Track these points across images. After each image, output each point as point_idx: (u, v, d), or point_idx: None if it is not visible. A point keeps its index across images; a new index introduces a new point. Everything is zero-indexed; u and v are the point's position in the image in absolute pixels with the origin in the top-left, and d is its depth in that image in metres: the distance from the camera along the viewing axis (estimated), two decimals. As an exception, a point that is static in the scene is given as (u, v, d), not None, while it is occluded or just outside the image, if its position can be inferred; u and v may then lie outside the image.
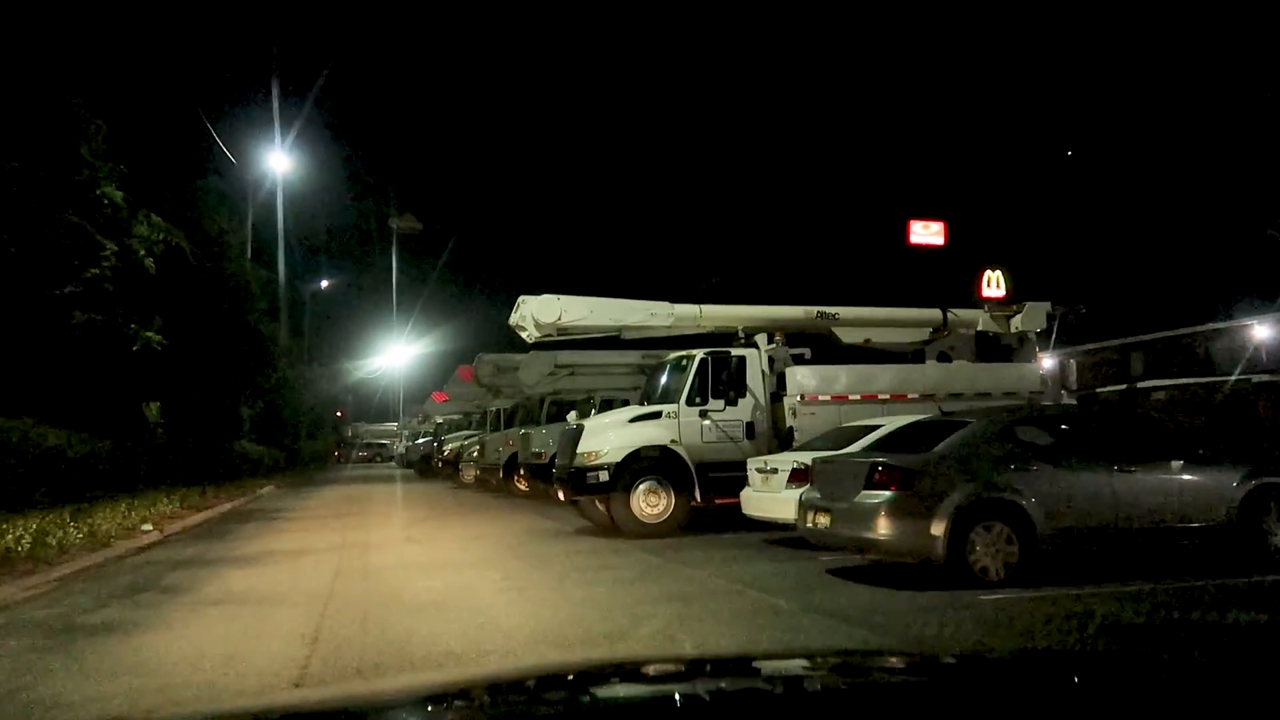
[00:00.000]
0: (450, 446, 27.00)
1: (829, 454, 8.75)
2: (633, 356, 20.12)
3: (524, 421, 23.00)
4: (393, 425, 73.91)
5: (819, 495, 7.72)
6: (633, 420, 11.57)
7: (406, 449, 40.95)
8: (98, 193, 9.85)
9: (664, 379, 12.50)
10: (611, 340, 17.93)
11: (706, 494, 11.28)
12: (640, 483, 11.16)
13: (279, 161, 29.66)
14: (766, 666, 2.06)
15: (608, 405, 19.07)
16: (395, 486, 28.66)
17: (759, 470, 10.19)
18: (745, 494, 10.42)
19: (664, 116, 69.65)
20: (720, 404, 11.58)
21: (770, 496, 9.82)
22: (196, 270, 15.90)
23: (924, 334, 13.55)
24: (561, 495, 11.97)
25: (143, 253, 10.34)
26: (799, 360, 12.38)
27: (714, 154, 62.80)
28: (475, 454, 23.99)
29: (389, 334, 65.80)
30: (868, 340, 13.27)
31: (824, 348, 13.15)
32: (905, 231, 29.76)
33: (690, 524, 11.27)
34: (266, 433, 30.73)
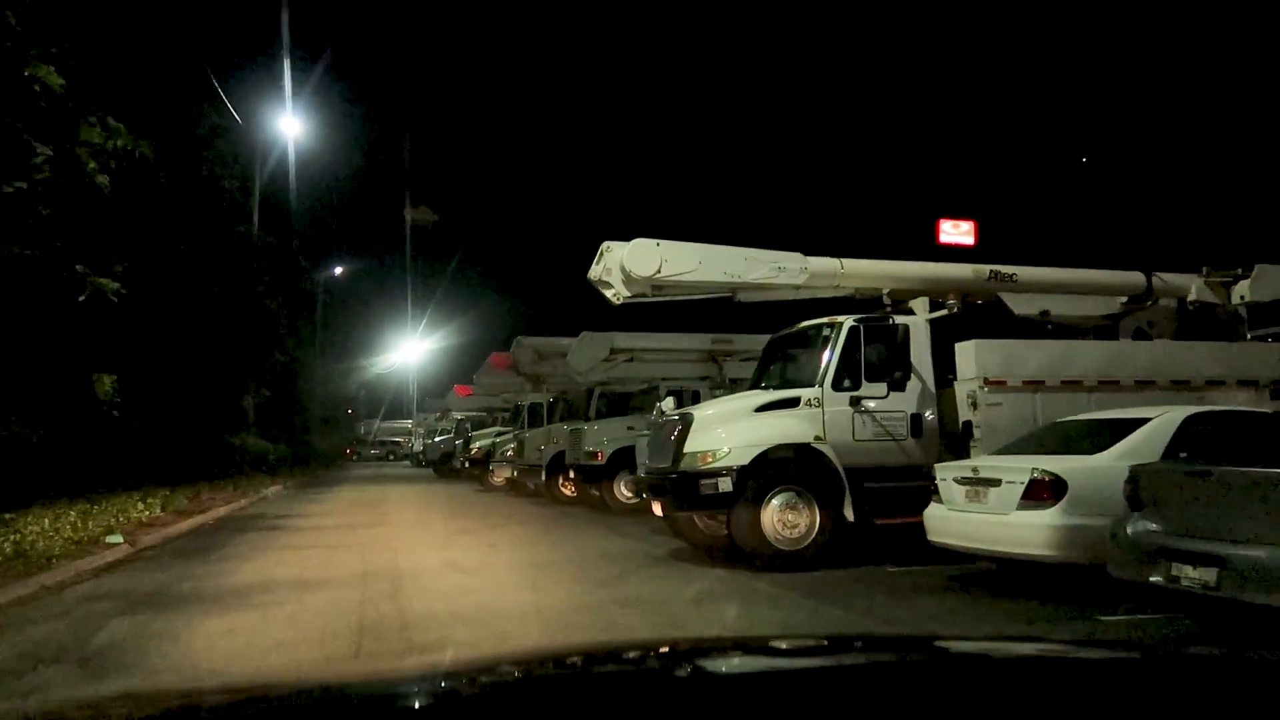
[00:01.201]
0: (479, 444, 23.99)
1: (1171, 464, 5.69)
2: (702, 340, 17.10)
3: (565, 416, 20.00)
4: (406, 423, 71.33)
5: (1179, 531, 4.65)
6: (760, 409, 8.49)
7: (424, 447, 37.93)
8: (26, 74, 6.99)
9: (791, 356, 9.44)
10: (673, 319, 15.07)
11: (863, 510, 8.22)
12: (775, 494, 8.10)
13: (290, 124, 26.73)
14: None
15: (679, 398, 16.03)
16: (415, 488, 25.65)
17: (960, 480, 7.09)
18: (933, 513, 7.33)
19: (687, 109, 66.65)
20: (880, 388, 8.50)
21: (985, 519, 6.74)
22: (175, 198, 12.98)
23: (1116, 305, 10.46)
24: (658, 509, 8.90)
25: (93, 165, 7.50)
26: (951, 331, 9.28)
27: (739, 155, 59.97)
28: (510, 453, 20.97)
29: (402, 330, 63.32)
30: (1044, 313, 10.17)
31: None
32: (935, 231, 28.93)
33: (831, 550, 8.21)
34: (274, 426, 27.81)
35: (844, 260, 9.34)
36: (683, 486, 8.30)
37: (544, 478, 17.85)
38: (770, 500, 8.08)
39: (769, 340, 10.01)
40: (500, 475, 21.70)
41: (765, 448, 8.12)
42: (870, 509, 8.25)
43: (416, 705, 1.30)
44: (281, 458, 26.44)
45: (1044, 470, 6.36)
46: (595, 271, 9.00)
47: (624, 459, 15.49)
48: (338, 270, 47.62)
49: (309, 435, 38.20)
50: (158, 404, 15.87)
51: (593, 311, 18.88)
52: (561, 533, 12.00)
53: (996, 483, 6.70)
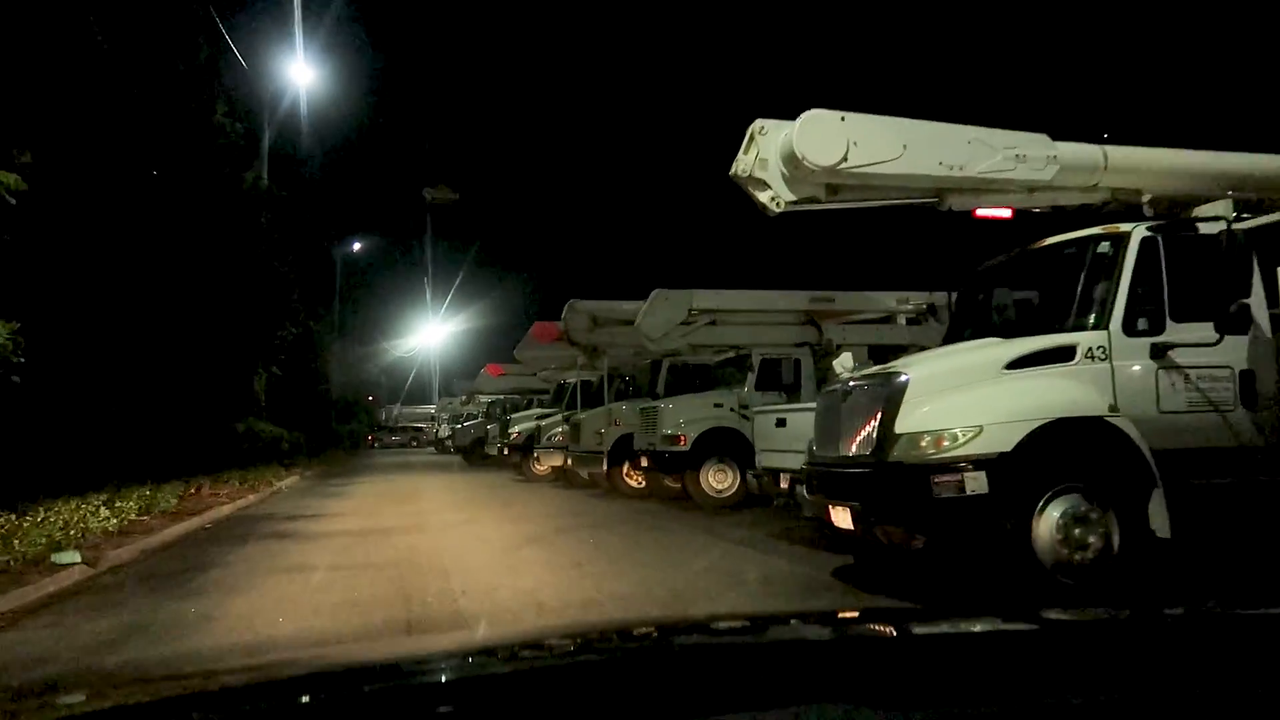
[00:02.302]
0: (518, 429, 21.13)
1: None
2: (798, 299, 14.10)
3: (626, 394, 17.10)
4: (429, 408, 68.87)
5: None
6: (1012, 365, 5.49)
7: (453, 432, 35.18)
8: None
9: (1030, 291, 6.45)
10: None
11: (1186, 521, 5.24)
12: (1055, 497, 5.14)
13: (301, 71, 23.82)
14: None
15: (774, 369, 13.09)
16: (447, 478, 22.85)
17: None
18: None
19: (710, 83, 63.39)
20: (1197, 331, 5.49)
21: None
22: (145, 116, 10.18)
23: None
24: (841, 519, 5.90)
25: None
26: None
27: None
28: (558, 438, 18.11)
29: (423, 313, 60.95)
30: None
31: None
32: None
33: (1130, 576, 5.27)
34: (289, 411, 25.09)
35: (1109, 148, 6.29)
36: (897, 486, 5.33)
37: (605, 467, 14.97)
38: (1047, 507, 5.11)
39: (980, 270, 6.95)
40: (546, 464, 18.84)
41: (1038, 423, 5.13)
42: (1195, 520, 5.26)
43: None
44: (297, 445, 23.70)
45: None
46: (743, 164, 6.02)
47: (712, 444, 12.58)
48: (356, 246, 45.03)
49: (328, 420, 35.58)
50: (146, 384, 13.08)
51: (622, 288, 15.98)
52: (662, 543, 9.09)
53: None
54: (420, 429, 63.93)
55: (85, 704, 1.28)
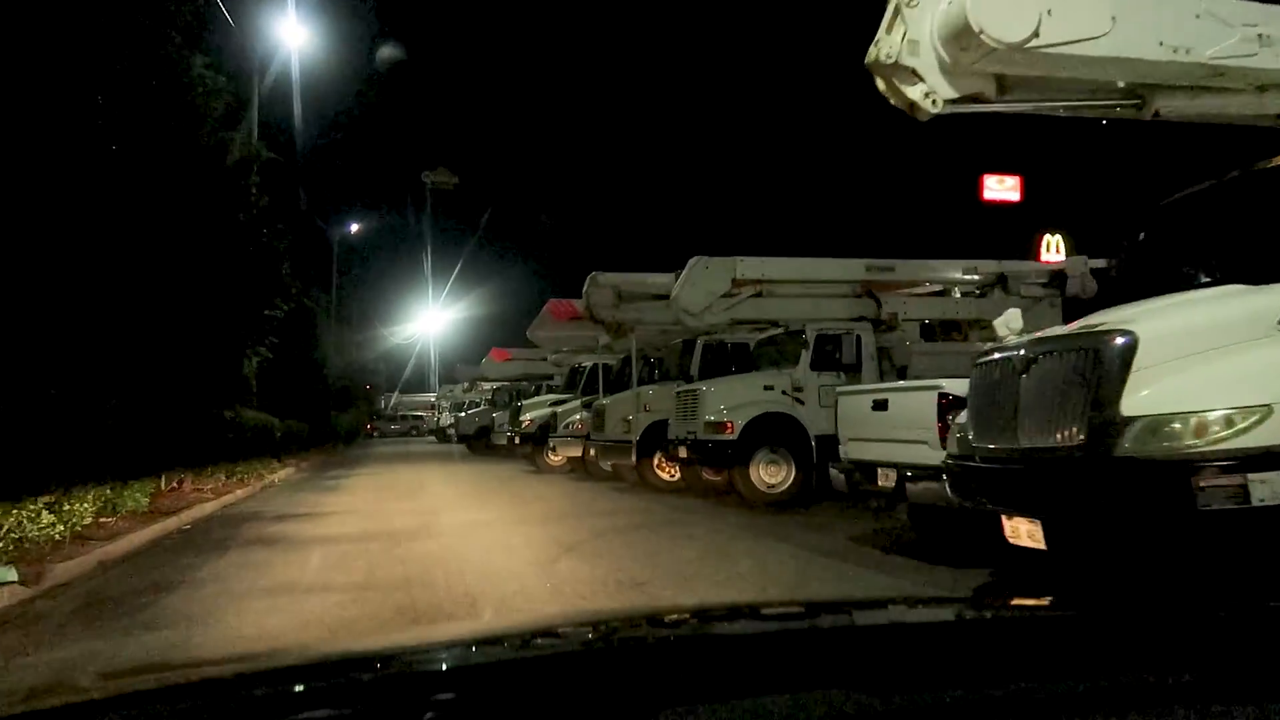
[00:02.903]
0: (531, 415, 19.49)
1: None
2: (853, 268, 12.51)
3: (654, 377, 15.52)
4: (429, 396, 67.34)
5: None
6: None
7: (456, 421, 33.50)
8: None
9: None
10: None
11: None
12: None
13: (293, 30, 22.07)
14: None
15: (832, 346, 11.47)
16: (454, 470, 21.28)
17: None
18: None
19: (718, 63, 61.48)
20: None
21: None
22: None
23: None
24: (1023, 534, 4.30)
25: None
26: None
27: (768, 98, 55.18)
28: (577, 425, 16.51)
29: (422, 299, 59.63)
30: None
31: None
32: (978, 186, 27.95)
33: None
34: (282, 397, 23.46)
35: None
36: (1130, 492, 3.73)
37: (634, 458, 13.36)
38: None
39: (1172, 202, 5.30)
40: (563, 454, 17.24)
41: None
42: None
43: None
44: (292, 434, 22.08)
45: None
46: (886, 48, 4.38)
47: (762, 432, 10.98)
48: (354, 228, 43.33)
49: (326, 408, 33.98)
50: (119, 369, 11.44)
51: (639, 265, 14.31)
52: (728, 552, 7.48)
53: None
54: (420, 417, 62.58)
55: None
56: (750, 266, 12.01)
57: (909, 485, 6.30)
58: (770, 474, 10.97)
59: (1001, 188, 28.81)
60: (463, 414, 33.22)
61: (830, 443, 9.50)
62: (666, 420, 13.11)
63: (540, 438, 19.05)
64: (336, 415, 38.49)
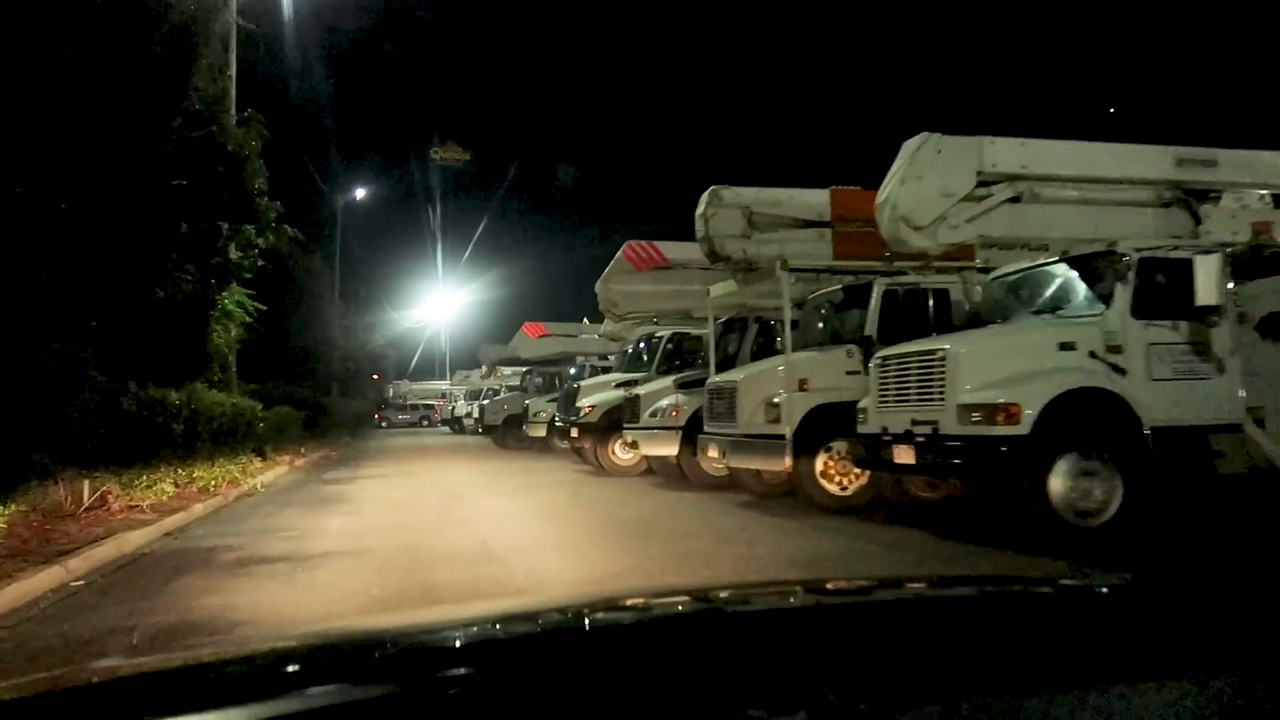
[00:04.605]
0: (594, 400, 14.82)
1: None
2: (1159, 162, 7.85)
3: (758, 351, 10.96)
4: (440, 384, 62.97)
5: None
6: None
7: (479, 410, 28.84)
8: None
9: None
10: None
11: None
12: None
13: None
14: None
15: (1162, 278, 6.86)
16: (487, 470, 16.64)
17: None
18: None
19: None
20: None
21: None
22: None
23: None
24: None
25: None
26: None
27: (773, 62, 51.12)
28: (671, 414, 11.89)
29: (433, 282, 56.19)
30: None
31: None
32: None
33: None
34: (273, 381, 18.89)
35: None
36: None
37: (789, 458, 8.72)
38: None
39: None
40: (649, 451, 12.60)
41: None
42: None
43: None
44: (281, 424, 17.47)
45: None
46: None
47: (1066, 421, 6.35)
48: (359, 193, 38.83)
49: (326, 394, 29.51)
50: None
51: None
52: None
53: None
54: (432, 406, 58.26)
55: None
56: (1005, 152, 7.38)
57: None
58: (1080, 493, 6.35)
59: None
60: (485, 401, 28.56)
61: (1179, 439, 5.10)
62: (834, 403, 8.65)
63: (605, 429, 14.48)
64: (341, 403, 34.03)
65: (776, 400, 8.95)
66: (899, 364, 7.28)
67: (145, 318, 9.55)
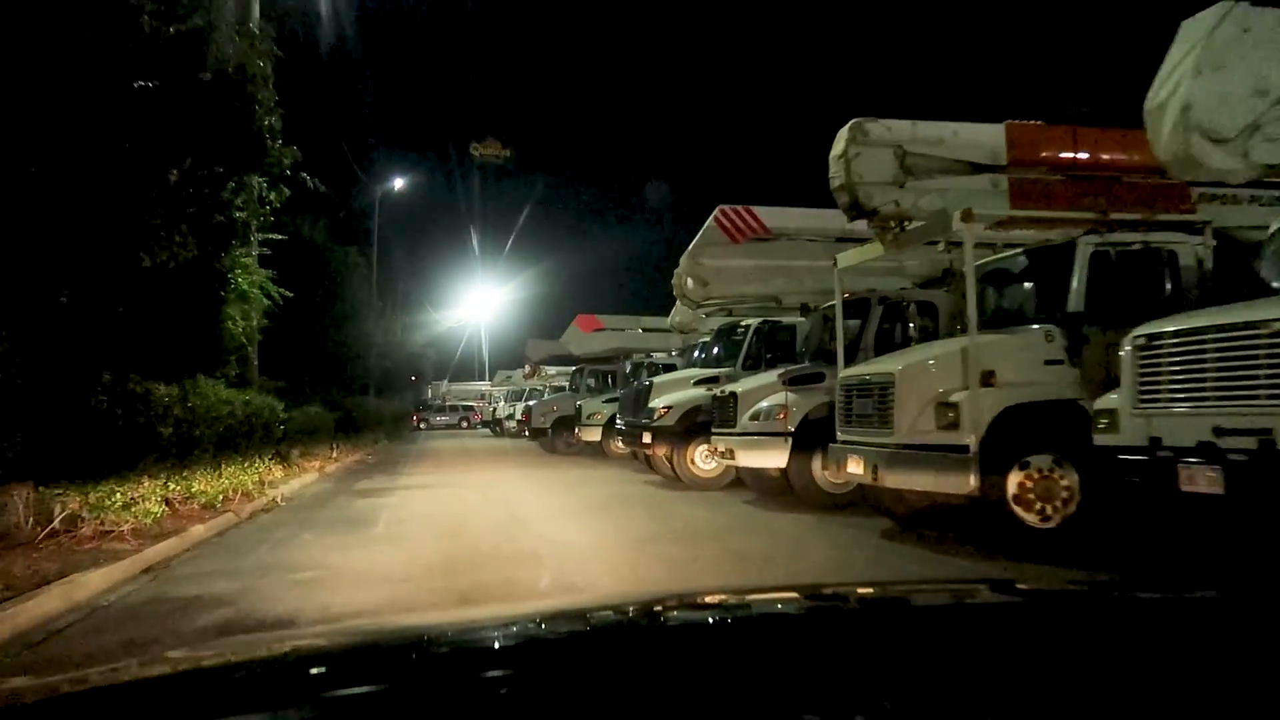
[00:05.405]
0: (670, 400, 12.53)
1: None
2: None
3: (880, 337, 8.66)
4: (480, 385, 61.27)
5: None
6: None
7: (526, 411, 26.74)
8: None
9: None
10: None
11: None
12: None
13: None
14: None
15: None
16: (544, 481, 14.34)
17: None
18: None
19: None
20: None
21: None
22: None
23: None
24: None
25: None
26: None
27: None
28: (780, 415, 9.56)
29: (472, 280, 54.78)
30: None
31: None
32: None
33: None
34: (302, 378, 16.88)
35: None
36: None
37: (976, 478, 6.38)
38: None
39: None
40: (749, 461, 10.25)
41: None
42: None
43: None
44: (311, 426, 15.43)
45: None
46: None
47: None
48: (398, 183, 36.99)
49: (363, 393, 27.58)
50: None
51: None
52: None
53: None
54: (471, 408, 56.51)
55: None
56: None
57: None
58: None
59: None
60: (531, 402, 26.42)
61: None
62: (1028, 402, 6.38)
63: (683, 434, 12.23)
64: (379, 404, 32.16)
65: (955, 399, 6.61)
66: (1186, 345, 4.92)
67: (132, 293, 7.46)
